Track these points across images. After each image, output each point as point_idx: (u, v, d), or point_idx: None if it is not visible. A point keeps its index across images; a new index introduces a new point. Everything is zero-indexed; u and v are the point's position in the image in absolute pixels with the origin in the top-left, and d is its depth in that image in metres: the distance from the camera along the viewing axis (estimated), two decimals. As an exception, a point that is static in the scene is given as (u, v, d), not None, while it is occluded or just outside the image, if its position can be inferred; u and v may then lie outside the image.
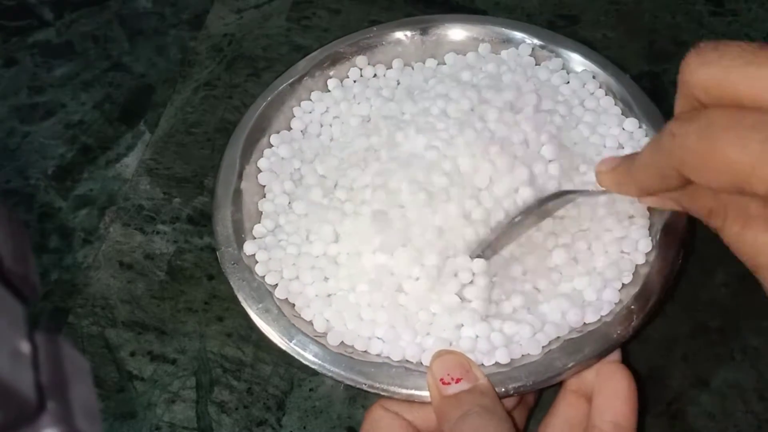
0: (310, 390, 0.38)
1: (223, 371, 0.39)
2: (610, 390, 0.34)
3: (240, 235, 0.40)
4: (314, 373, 0.36)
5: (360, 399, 0.38)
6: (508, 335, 0.36)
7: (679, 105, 0.28)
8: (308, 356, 0.36)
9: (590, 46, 0.47)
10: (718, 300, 0.40)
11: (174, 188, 0.46)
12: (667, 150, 0.27)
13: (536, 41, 0.45)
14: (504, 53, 0.45)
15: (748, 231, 0.27)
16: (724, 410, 0.37)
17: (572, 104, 0.43)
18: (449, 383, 0.33)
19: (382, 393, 0.35)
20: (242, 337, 0.40)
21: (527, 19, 0.51)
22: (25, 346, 0.14)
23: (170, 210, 0.45)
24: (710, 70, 0.26)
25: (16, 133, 0.49)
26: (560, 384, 0.36)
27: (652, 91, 0.46)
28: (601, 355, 0.35)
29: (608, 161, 0.33)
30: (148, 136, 0.48)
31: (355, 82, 0.45)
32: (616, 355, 0.35)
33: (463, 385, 0.33)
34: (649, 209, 0.38)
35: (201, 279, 0.42)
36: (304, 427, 0.37)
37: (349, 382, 0.35)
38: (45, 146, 0.48)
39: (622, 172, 0.32)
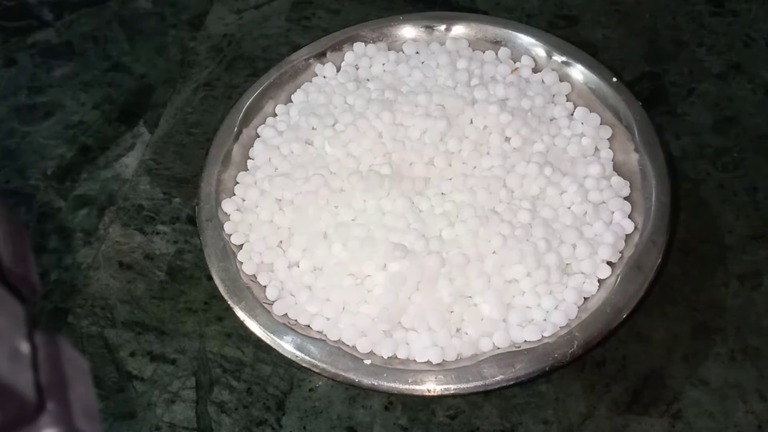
0: (310, 390, 0.38)
1: (222, 371, 0.39)
2: None
3: (221, 194, 0.41)
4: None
5: (360, 399, 0.38)
6: (447, 338, 0.36)
7: None
8: (250, 322, 0.36)
9: (590, 47, 0.47)
10: (718, 300, 0.40)
11: (174, 188, 0.46)
12: None
13: (542, 48, 0.45)
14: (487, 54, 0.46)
15: None
16: (724, 410, 0.37)
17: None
18: None
19: (313, 369, 0.35)
20: (242, 337, 0.40)
21: (527, 20, 0.51)
22: (24, 346, 0.14)
23: (170, 210, 0.45)
24: None
25: (15, 133, 0.49)
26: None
27: (653, 91, 0.46)
28: (531, 375, 0.34)
29: None
30: (148, 136, 0.48)
31: (371, 67, 0.46)
32: None
33: None
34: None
35: (201, 279, 0.42)
36: (304, 427, 0.37)
37: (281, 351, 0.36)
38: (45, 146, 0.48)
39: None
